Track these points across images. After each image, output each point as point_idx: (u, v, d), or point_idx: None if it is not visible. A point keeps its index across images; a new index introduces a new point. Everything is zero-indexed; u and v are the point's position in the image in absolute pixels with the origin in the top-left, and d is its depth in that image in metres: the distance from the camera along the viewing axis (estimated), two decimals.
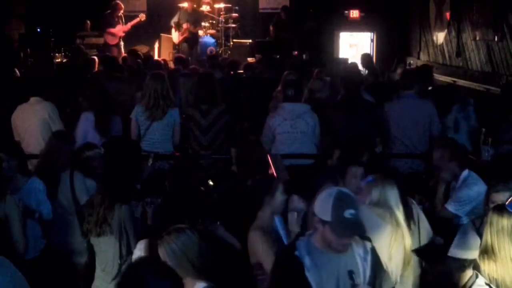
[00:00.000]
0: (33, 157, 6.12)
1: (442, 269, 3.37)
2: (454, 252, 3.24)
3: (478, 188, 4.81)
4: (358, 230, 3.19)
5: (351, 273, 3.18)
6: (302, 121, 6.27)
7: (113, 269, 4.43)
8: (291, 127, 6.26)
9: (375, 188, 3.92)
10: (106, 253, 4.45)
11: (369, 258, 3.30)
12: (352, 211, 3.12)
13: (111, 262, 4.42)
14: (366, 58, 10.17)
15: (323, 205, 3.18)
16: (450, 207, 4.87)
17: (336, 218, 3.10)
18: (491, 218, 3.55)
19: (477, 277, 3.21)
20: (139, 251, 3.91)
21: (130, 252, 4.46)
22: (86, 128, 6.50)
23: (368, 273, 3.27)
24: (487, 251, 3.51)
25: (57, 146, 5.34)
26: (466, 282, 3.33)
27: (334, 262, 3.24)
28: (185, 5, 13.56)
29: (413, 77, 6.74)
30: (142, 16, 13.51)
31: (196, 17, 13.58)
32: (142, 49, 13.54)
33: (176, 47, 13.67)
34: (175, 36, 13.57)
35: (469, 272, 3.24)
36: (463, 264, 3.23)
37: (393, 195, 3.89)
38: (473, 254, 3.24)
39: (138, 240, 4.38)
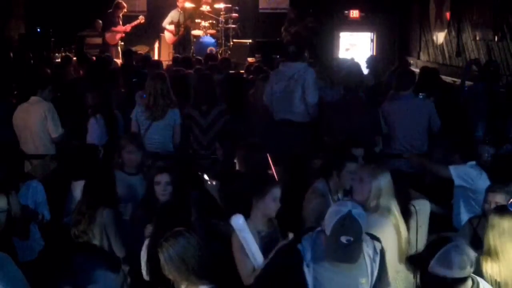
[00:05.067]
0: (31, 157, 6.11)
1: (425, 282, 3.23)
2: (435, 268, 3.07)
3: (479, 174, 4.90)
4: (346, 258, 3.11)
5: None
6: (293, 81, 6.67)
7: None
8: (285, 87, 6.71)
9: (371, 178, 3.82)
10: None
11: (378, 259, 3.27)
12: (349, 238, 3.05)
13: None
14: (372, 60, 10.01)
15: (329, 218, 3.14)
16: (452, 167, 4.96)
17: (333, 237, 3.08)
18: (493, 220, 3.52)
19: (478, 286, 3.15)
20: (144, 247, 3.94)
21: None
22: (100, 131, 6.48)
23: (375, 274, 3.24)
24: (490, 254, 3.48)
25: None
26: None
27: None
28: (185, 5, 13.54)
29: (409, 77, 6.73)
30: (142, 19, 13.51)
31: (187, 17, 13.54)
32: (142, 49, 13.56)
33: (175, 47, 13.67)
34: (168, 37, 13.58)
35: (468, 283, 3.13)
36: (447, 283, 3.07)
37: (386, 184, 3.81)
38: (458, 273, 2.99)
39: (122, 243, 4.36)
